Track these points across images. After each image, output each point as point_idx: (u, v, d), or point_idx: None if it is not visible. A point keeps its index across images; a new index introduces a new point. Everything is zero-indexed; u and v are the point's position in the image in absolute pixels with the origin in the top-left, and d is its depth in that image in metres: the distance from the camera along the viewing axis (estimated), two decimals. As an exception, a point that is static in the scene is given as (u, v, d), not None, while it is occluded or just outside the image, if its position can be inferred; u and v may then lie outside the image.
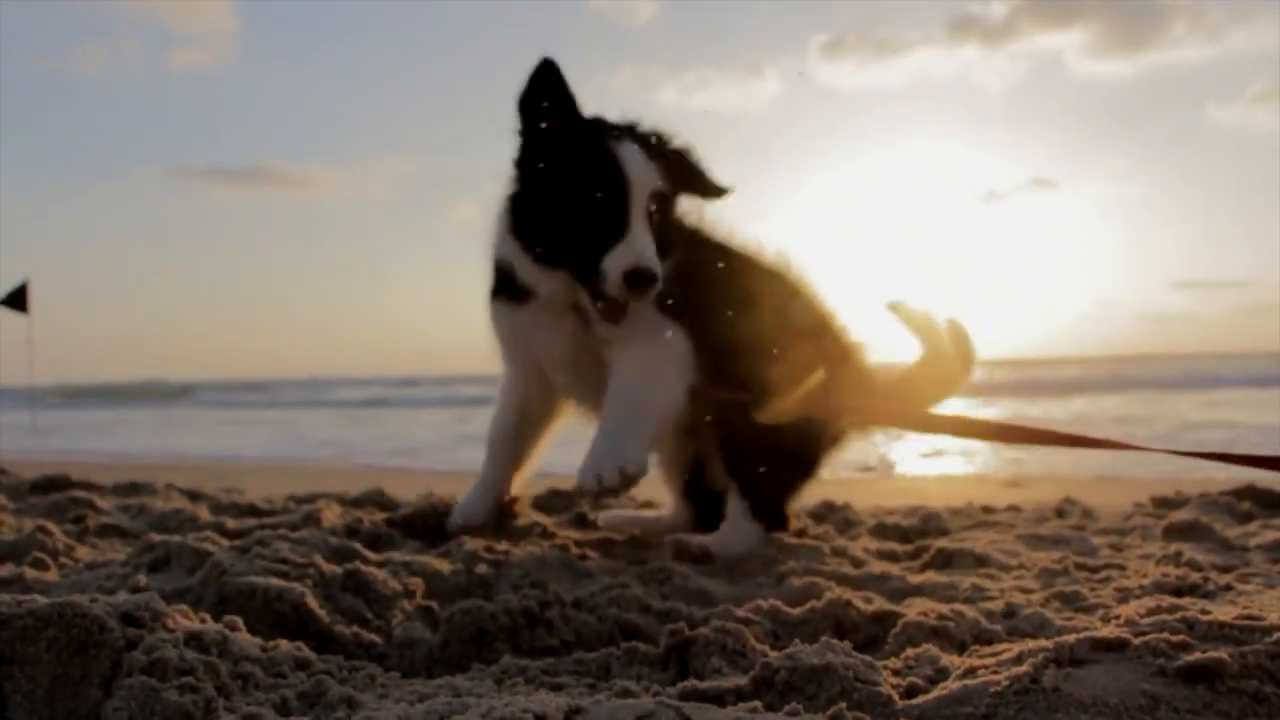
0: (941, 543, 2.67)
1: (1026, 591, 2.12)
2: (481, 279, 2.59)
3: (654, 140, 2.37)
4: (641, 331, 2.37)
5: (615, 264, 2.20)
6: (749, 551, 2.46)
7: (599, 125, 2.35)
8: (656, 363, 2.41)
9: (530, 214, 2.36)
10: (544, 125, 2.30)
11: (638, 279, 2.19)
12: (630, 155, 2.26)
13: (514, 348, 2.61)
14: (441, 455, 9.02)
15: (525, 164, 2.37)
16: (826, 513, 3.37)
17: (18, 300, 12.89)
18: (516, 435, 2.73)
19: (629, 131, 2.35)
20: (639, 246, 2.20)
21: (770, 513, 2.62)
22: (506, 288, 2.49)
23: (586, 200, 2.24)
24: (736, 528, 2.53)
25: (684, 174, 2.40)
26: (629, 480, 2.27)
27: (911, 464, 7.36)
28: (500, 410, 2.74)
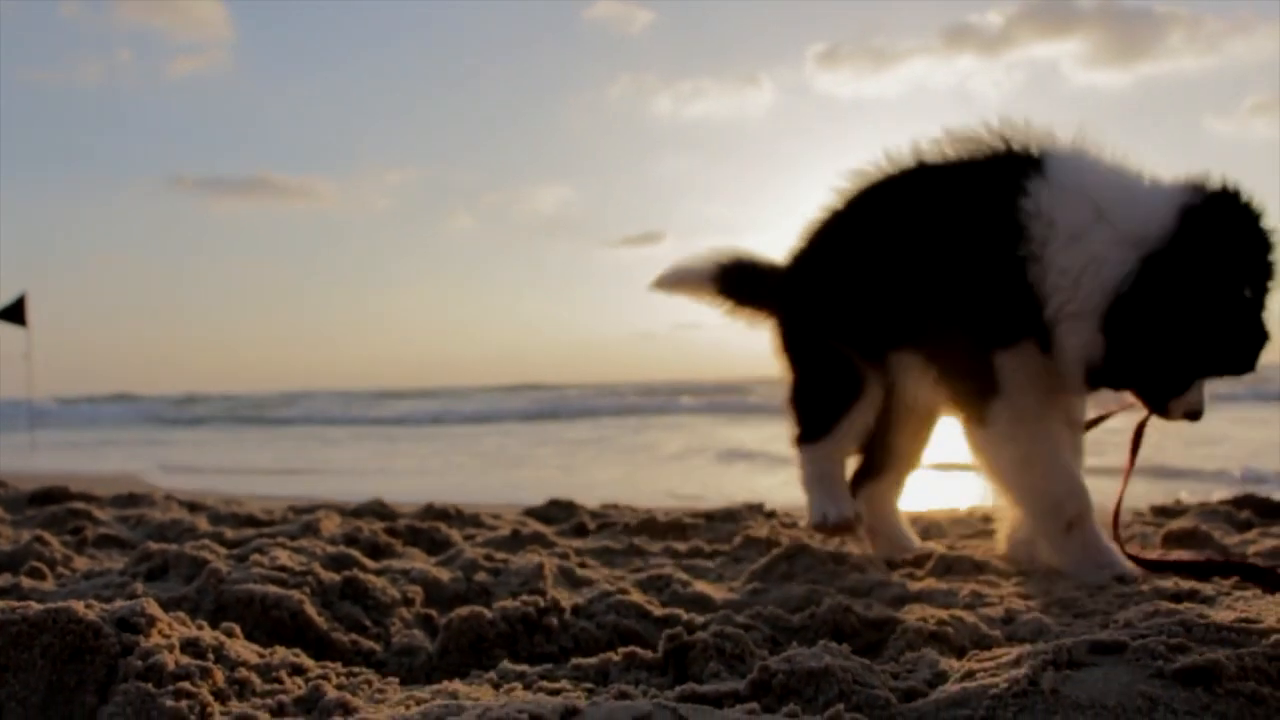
0: (941, 550, 2.66)
1: (1026, 598, 2.12)
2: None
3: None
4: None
5: (1178, 408, 2.23)
6: None
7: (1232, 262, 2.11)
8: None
9: (1141, 337, 2.14)
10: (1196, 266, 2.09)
11: (1192, 417, 2.25)
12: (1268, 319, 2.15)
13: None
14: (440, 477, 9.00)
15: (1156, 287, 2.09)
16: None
17: (16, 313, 12.89)
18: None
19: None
20: (1201, 397, 2.23)
21: None
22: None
23: (1201, 349, 2.13)
24: None
25: None
26: None
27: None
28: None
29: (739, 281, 2.98)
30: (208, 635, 1.54)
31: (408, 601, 2.04)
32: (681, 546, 2.93)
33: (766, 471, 7.84)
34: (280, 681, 1.49)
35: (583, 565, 2.45)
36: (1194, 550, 2.65)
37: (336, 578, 2.03)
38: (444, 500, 3.63)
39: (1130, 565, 2.29)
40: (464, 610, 1.84)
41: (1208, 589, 2.02)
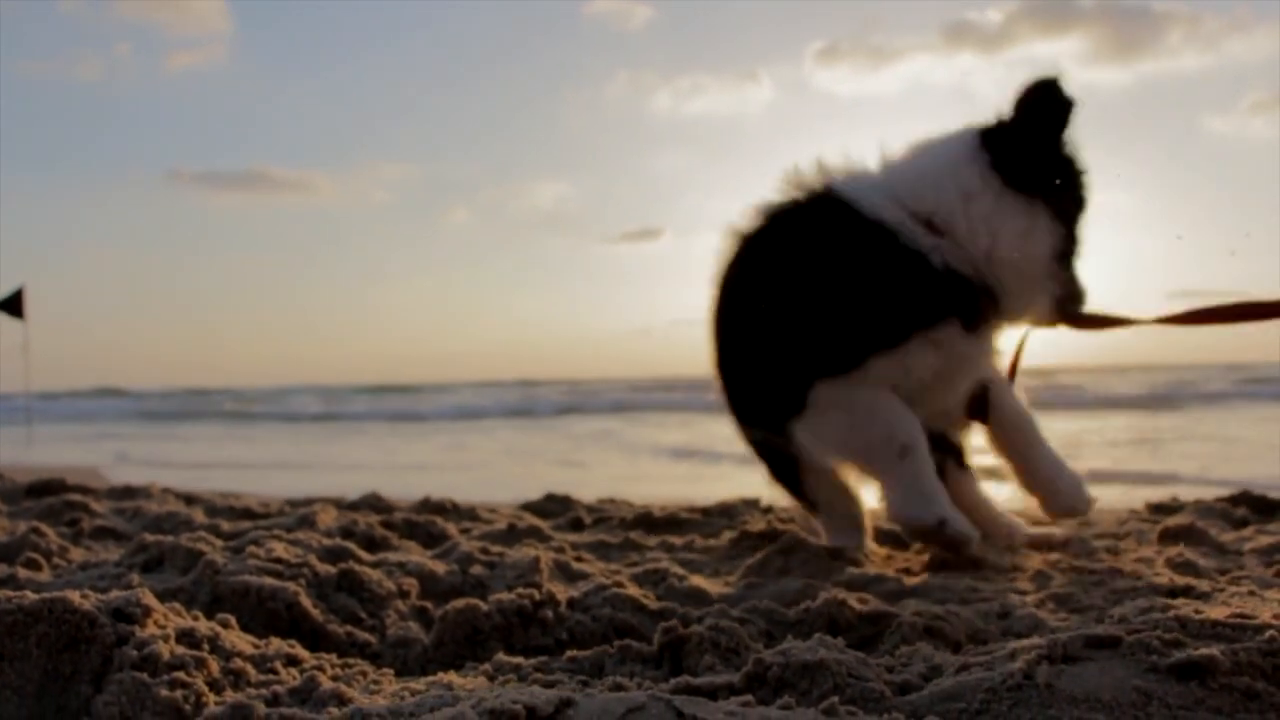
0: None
1: (1021, 593, 2.12)
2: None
3: None
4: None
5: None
6: None
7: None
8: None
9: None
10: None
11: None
12: None
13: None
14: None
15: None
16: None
17: (13, 306, 12.83)
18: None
19: None
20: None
21: None
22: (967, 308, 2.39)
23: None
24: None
25: None
26: None
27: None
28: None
29: None
30: (203, 626, 1.54)
31: (403, 594, 2.04)
32: (677, 541, 2.93)
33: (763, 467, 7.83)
34: (275, 672, 1.49)
35: (578, 559, 2.45)
36: (1192, 546, 2.66)
37: (332, 570, 2.03)
38: (440, 494, 3.63)
39: (962, 522, 2.39)
40: (459, 603, 1.84)
41: (1203, 585, 2.02)
